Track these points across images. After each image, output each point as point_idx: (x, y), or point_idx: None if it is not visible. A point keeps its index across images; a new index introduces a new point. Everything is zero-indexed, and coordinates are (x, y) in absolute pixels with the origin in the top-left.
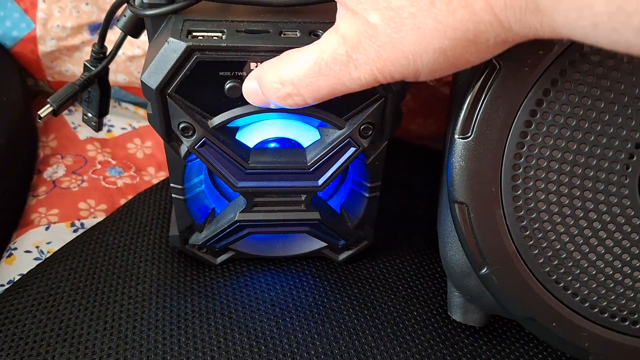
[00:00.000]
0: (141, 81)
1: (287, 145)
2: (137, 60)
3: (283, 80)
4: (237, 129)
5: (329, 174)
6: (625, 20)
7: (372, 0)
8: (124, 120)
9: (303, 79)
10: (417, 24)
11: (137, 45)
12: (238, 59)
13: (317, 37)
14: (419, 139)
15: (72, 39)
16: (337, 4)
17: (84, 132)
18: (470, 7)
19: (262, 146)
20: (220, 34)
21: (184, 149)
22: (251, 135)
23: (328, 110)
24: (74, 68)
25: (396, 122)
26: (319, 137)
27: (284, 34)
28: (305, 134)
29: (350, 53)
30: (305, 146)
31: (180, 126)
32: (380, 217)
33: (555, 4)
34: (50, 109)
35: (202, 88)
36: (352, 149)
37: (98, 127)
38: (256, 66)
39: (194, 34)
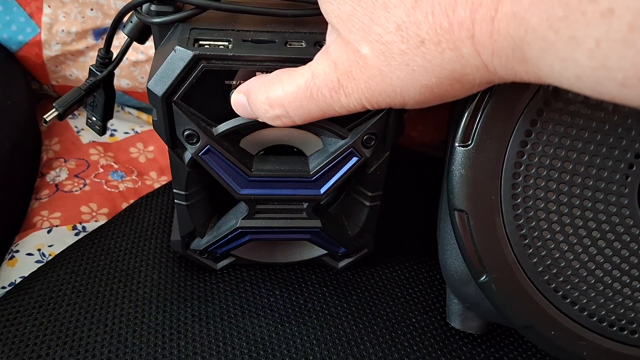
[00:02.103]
0: (147, 88)
1: (290, 153)
2: (140, 66)
3: (272, 102)
4: (241, 136)
5: (331, 183)
6: (607, 75)
7: (364, 32)
8: (126, 125)
9: (293, 102)
10: (406, 60)
11: (141, 51)
12: (244, 68)
13: None
14: (420, 146)
15: (76, 43)
16: (328, 24)
17: (87, 136)
18: (458, 50)
19: (265, 154)
20: (226, 43)
21: (187, 155)
22: (255, 143)
23: (331, 120)
24: (78, 72)
25: (399, 132)
26: (322, 146)
27: (290, 44)
28: (308, 143)
29: (341, 80)
30: (308, 155)
31: (185, 133)
32: (380, 224)
33: (540, 55)
34: (56, 113)
35: (208, 96)
36: (355, 159)
37: (102, 131)
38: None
39: (200, 42)
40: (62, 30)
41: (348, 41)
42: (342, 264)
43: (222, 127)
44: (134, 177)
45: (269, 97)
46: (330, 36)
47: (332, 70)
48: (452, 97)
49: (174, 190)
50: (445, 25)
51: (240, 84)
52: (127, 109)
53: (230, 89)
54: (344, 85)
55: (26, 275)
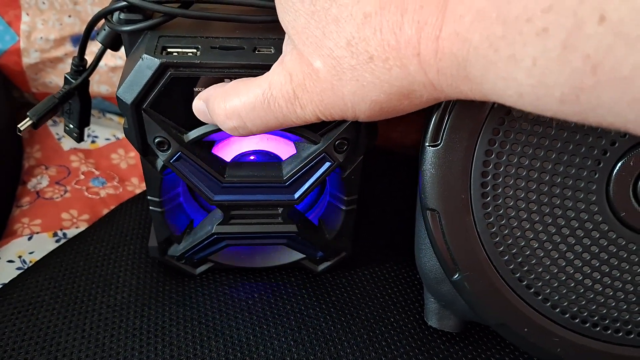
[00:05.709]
0: (117, 96)
1: (265, 158)
2: (119, 71)
3: (229, 113)
4: (213, 142)
5: (305, 188)
6: (546, 92)
7: (317, 45)
8: (108, 131)
9: (250, 113)
10: (356, 76)
11: (119, 57)
12: (212, 75)
13: None
14: (400, 148)
15: (55, 50)
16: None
17: (68, 143)
18: (405, 68)
19: (239, 159)
20: (194, 51)
21: (160, 162)
22: (228, 149)
23: (304, 125)
24: (58, 80)
25: (372, 137)
26: (296, 152)
27: (259, 51)
28: (283, 147)
29: (297, 92)
30: (283, 158)
31: (156, 140)
32: (361, 226)
33: (483, 74)
34: (30, 122)
35: (177, 103)
36: (328, 164)
37: (79, 138)
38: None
39: (168, 50)
40: (41, 38)
41: (302, 54)
42: (321, 267)
43: (193, 133)
44: (115, 184)
45: (225, 108)
46: (286, 45)
47: (287, 82)
48: (401, 111)
49: (148, 197)
50: (392, 43)
51: None
52: (108, 115)
53: None
54: (299, 97)
55: (7, 282)
